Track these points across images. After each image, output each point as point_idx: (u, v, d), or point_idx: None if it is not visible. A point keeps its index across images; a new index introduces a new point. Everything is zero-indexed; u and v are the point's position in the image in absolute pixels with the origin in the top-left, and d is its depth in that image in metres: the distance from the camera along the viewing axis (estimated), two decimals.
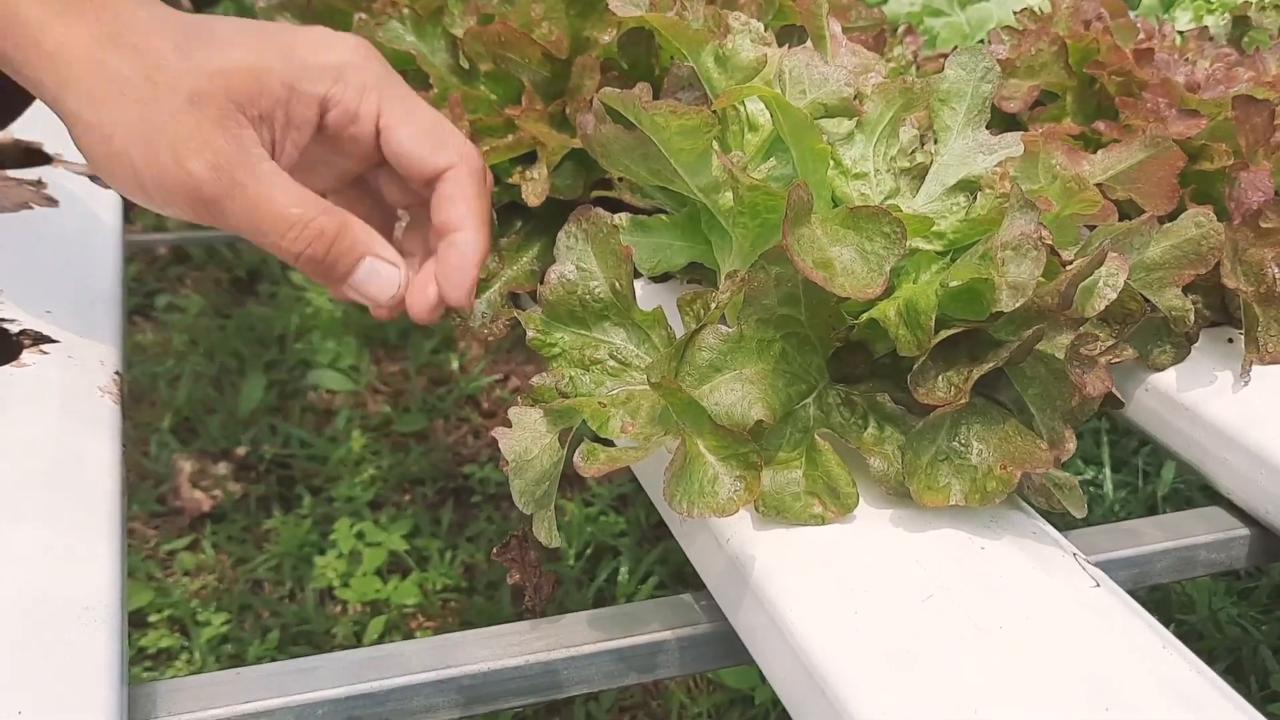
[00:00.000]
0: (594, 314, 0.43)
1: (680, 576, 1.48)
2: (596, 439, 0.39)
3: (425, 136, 0.46)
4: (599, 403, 0.40)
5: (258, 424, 1.89)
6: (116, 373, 0.48)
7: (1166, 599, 1.42)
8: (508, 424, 0.41)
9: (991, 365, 0.37)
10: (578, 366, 0.43)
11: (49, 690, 0.32)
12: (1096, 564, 0.48)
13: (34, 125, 0.68)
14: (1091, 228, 0.46)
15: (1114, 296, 0.39)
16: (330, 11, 0.65)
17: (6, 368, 0.45)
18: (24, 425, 0.42)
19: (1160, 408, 0.56)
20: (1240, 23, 0.82)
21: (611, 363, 0.42)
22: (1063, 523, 0.43)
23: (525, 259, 0.57)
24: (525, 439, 0.40)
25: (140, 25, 0.43)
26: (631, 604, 0.43)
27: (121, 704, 0.33)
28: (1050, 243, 0.37)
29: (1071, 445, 0.39)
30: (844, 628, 0.36)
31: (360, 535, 1.63)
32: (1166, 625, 1.25)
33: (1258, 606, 1.37)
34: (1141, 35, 0.64)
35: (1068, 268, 0.38)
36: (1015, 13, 0.65)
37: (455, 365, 2.11)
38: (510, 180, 0.54)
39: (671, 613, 0.44)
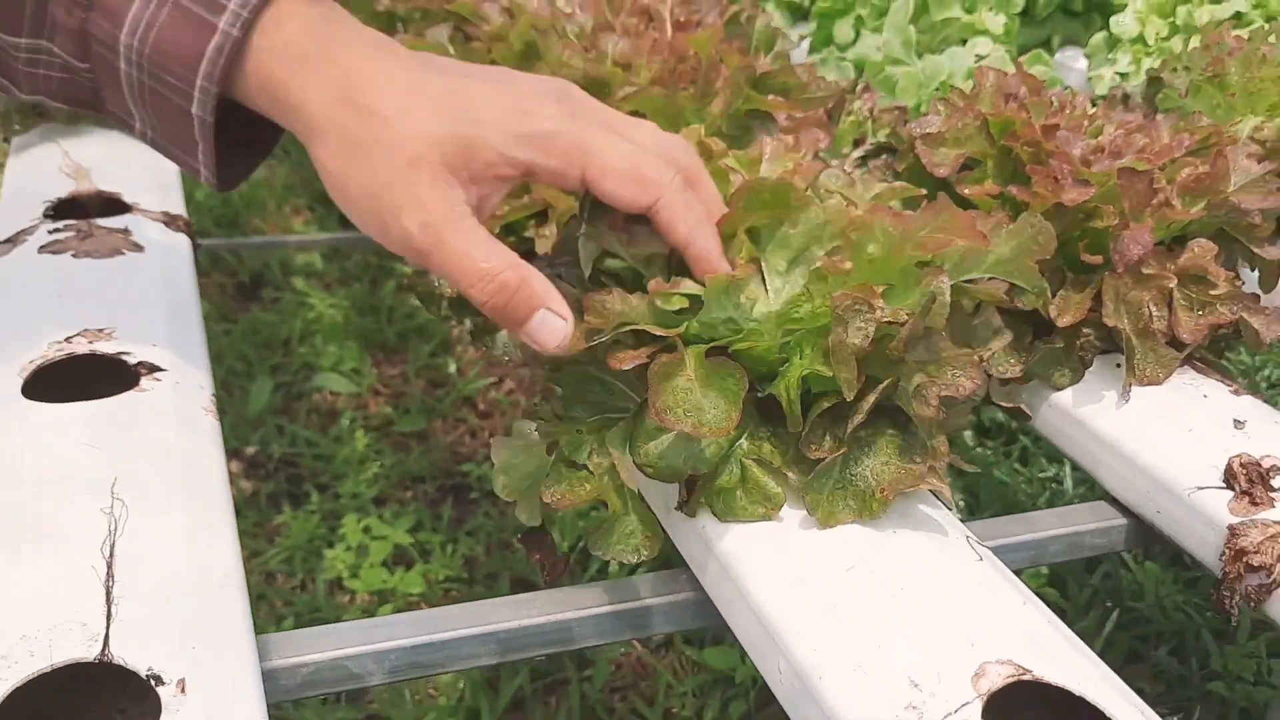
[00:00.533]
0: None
1: (664, 565, 1.60)
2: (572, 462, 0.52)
3: (629, 182, 0.52)
4: (576, 430, 0.53)
5: (265, 425, 2.00)
6: (211, 395, 0.60)
7: (1118, 588, 1.55)
8: (507, 433, 0.54)
9: (860, 420, 0.50)
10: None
11: (208, 636, 0.44)
12: (998, 547, 0.61)
13: (113, 179, 0.80)
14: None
15: (947, 303, 0.51)
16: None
17: (130, 393, 0.57)
18: (155, 438, 0.54)
19: (1059, 421, 0.69)
20: (1154, 83, 0.95)
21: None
22: (985, 513, 0.55)
23: None
24: (517, 447, 0.53)
25: (369, 84, 0.51)
26: (630, 576, 0.56)
27: (253, 648, 0.45)
28: (883, 319, 0.49)
29: (944, 451, 0.51)
30: (787, 592, 0.48)
31: (367, 530, 1.75)
32: (1119, 610, 1.39)
33: (1201, 595, 1.50)
34: (1055, 106, 0.76)
35: (907, 321, 0.50)
36: (951, 88, 0.78)
37: (453, 368, 2.22)
38: (527, 234, 0.67)
39: (661, 584, 0.56)
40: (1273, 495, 0.58)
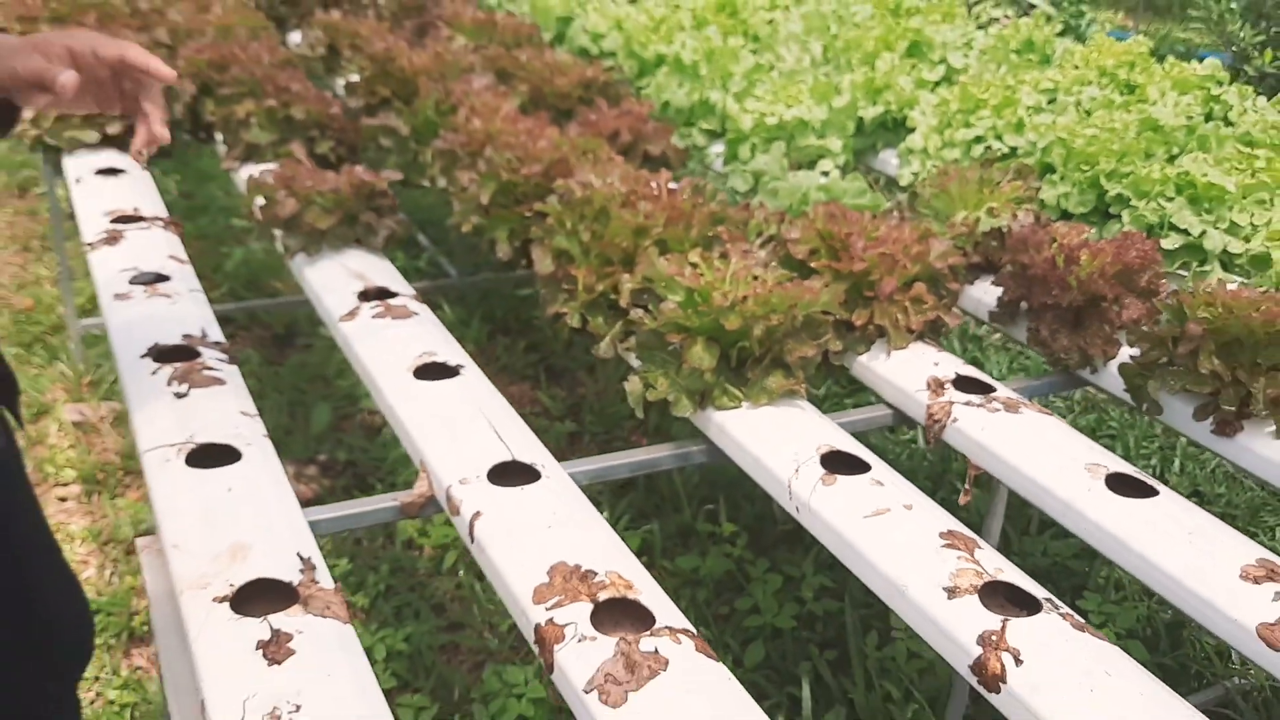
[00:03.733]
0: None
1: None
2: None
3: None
4: (663, 373, 1.34)
5: (327, 439, 2.76)
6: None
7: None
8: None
9: (766, 365, 1.33)
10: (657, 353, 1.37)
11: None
12: (841, 421, 1.44)
13: (379, 277, 1.59)
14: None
15: (801, 320, 1.36)
16: None
17: (457, 379, 1.37)
18: (470, 396, 1.34)
19: (858, 369, 1.53)
20: (913, 196, 1.82)
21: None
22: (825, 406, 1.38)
23: None
24: (641, 379, 1.35)
25: None
26: (681, 440, 1.38)
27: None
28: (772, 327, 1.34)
29: (801, 379, 1.35)
30: (751, 438, 1.30)
31: None
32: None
33: None
34: (848, 221, 1.61)
35: (787, 325, 1.34)
36: (818, 188, 1.63)
37: None
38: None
39: (692, 444, 1.38)
40: (943, 391, 1.43)
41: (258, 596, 1.01)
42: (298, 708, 0.88)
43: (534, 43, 2.63)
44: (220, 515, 1.10)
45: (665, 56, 2.52)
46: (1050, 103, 2.28)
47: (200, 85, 2.11)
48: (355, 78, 2.27)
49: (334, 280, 1.61)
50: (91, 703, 2.17)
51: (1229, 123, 2.16)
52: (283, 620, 0.97)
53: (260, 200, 1.70)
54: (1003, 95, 2.18)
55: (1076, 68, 2.44)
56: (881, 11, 2.89)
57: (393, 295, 1.58)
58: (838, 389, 2.81)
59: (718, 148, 2.29)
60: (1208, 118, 2.23)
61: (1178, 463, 2.70)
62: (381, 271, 1.66)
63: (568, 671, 0.95)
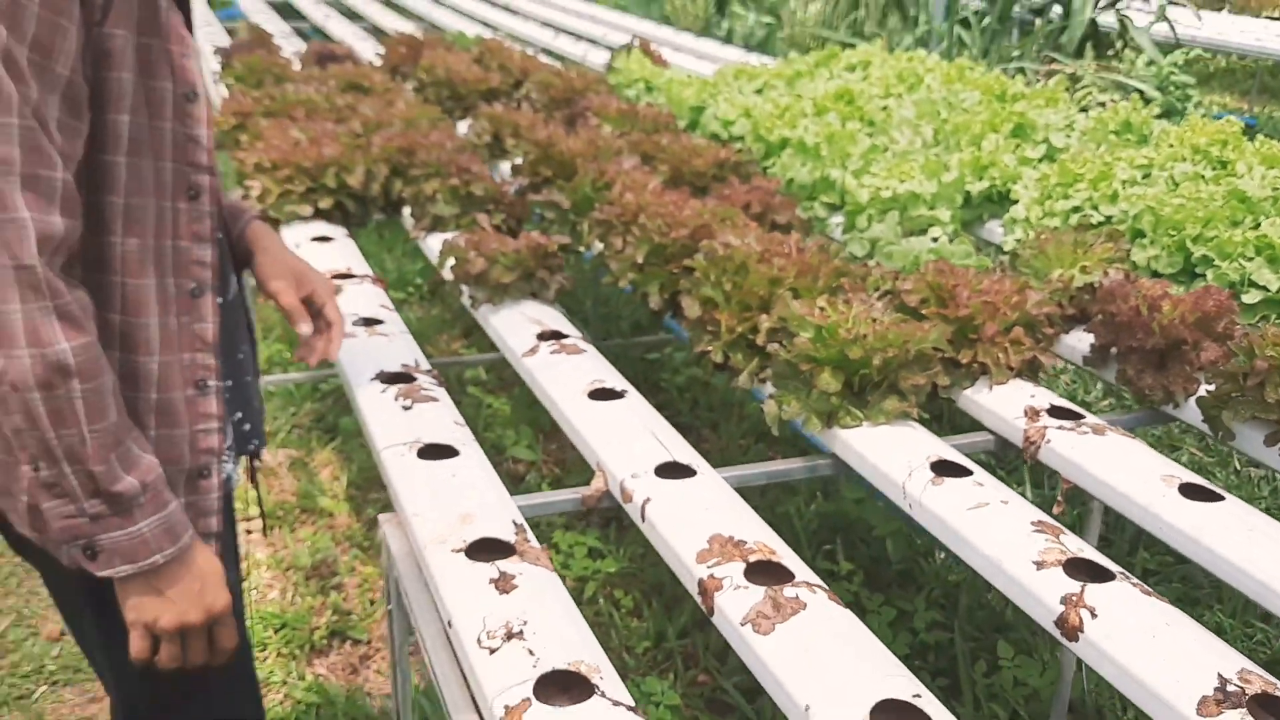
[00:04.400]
0: None
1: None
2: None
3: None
4: (795, 397, 1.61)
5: None
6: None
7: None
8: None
9: (884, 390, 1.59)
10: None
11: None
12: (953, 444, 1.69)
13: (553, 323, 1.92)
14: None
15: (912, 353, 1.62)
16: None
17: (623, 401, 1.67)
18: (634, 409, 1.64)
19: (963, 402, 1.77)
20: (1014, 256, 2.07)
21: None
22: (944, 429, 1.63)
23: None
24: (773, 404, 1.62)
25: None
26: (809, 455, 1.64)
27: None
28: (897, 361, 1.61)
29: (914, 403, 1.60)
30: (872, 450, 1.56)
31: (570, 540, 2.83)
32: None
33: None
34: (954, 275, 1.87)
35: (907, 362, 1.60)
36: (929, 250, 1.90)
37: None
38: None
39: (820, 458, 1.64)
40: (1038, 418, 1.66)
41: (483, 550, 1.30)
42: (525, 623, 1.17)
43: (671, 129, 2.97)
44: (448, 494, 1.41)
45: (789, 139, 2.83)
46: (1144, 177, 2.51)
47: (391, 168, 2.50)
48: (520, 160, 2.63)
49: (515, 325, 1.94)
50: (280, 703, 2.50)
51: None
52: (506, 565, 1.26)
53: (452, 260, 2.05)
54: (1099, 170, 2.42)
55: (1171, 146, 2.67)
56: (989, 98, 3.17)
57: (565, 336, 1.90)
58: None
59: (837, 219, 2.57)
60: None
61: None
62: (554, 318, 1.98)
63: (726, 611, 1.22)
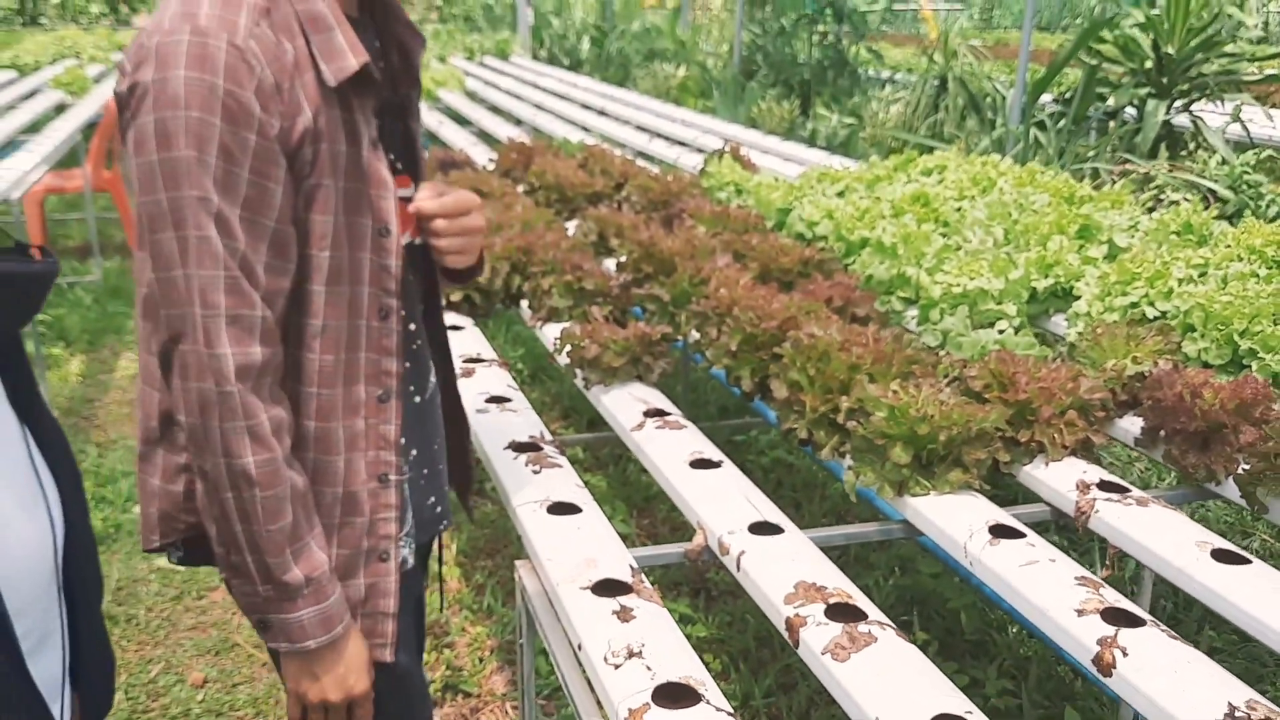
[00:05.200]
0: None
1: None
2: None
3: None
4: (871, 468, 1.86)
5: None
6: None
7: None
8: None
9: (949, 463, 1.83)
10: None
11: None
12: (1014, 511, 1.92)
13: (659, 402, 2.20)
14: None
15: (972, 437, 1.86)
16: None
17: (719, 473, 1.93)
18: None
19: (1021, 477, 2.00)
20: (1071, 348, 2.30)
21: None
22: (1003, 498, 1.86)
23: None
24: (851, 475, 1.87)
25: None
26: (881, 519, 1.88)
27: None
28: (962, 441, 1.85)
29: (976, 474, 1.83)
30: (938, 516, 1.80)
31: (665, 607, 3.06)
32: None
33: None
34: (1014, 365, 2.11)
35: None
36: (994, 341, 2.14)
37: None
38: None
39: (891, 523, 1.88)
40: (1089, 491, 1.88)
41: (605, 589, 1.57)
42: (643, 645, 1.43)
43: (760, 229, 3.27)
44: (574, 543, 1.68)
45: (869, 239, 3.10)
46: (1200, 276, 2.73)
47: (511, 265, 2.83)
48: (624, 258, 2.95)
49: (624, 404, 2.23)
50: None
51: None
52: (625, 600, 1.53)
53: (568, 347, 2.35)
54: (1156, 269, 2.65)
55: (1228, 246, 2.88)
56: (1057, 200, 3.41)
57: (667, 414, 2.18)
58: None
59: (912, 312, 2.83)
60: None
61: None
62: (657, 398, 2.26)
63: (809, 643, 1.46)
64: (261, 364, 1.20)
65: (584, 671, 1.47)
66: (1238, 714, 1.31)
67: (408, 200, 1.38)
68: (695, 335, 2.51)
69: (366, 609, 1.36)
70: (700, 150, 5.39)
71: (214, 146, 1.14)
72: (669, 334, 2.44)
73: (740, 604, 3.06)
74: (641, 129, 6.27)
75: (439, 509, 1.53)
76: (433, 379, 1.53)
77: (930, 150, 5.06)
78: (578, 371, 2.37)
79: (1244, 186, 5.07)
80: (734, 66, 9.20)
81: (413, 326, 1.45)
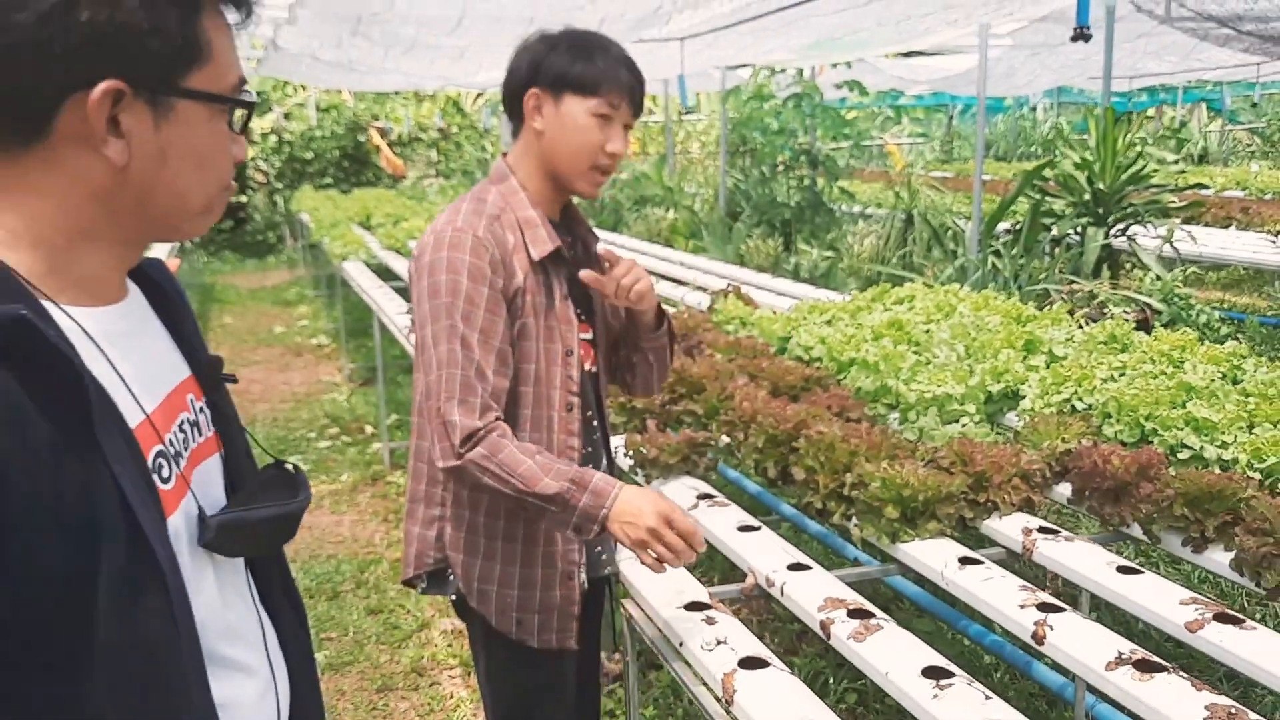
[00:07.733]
0: None
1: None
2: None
3: None
4: (880, 524, 2.58)
5: None
6: None
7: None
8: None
9: (931, 518, 2.54)
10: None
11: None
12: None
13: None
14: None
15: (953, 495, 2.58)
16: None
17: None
18: None
19: (992, 527, 2.72)
20: (1019, 435, 3.04)
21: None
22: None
23: None
24: (856, 529, 2.58)
25: None
26: (885, 561, 2.58)
27: None
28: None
29: (950, 526, 2.54)
30: (926, 554, 2.51)
31: None
32: None
33: None
34: (970, 449, 2.84)
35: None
36: (959, 432, 2.88)
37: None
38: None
39: (893, 565, 2.58)
40: (1032, 534, 2.60)
41: (692, 608, 2.26)
42: (726, 637, 2.12)
43: (765, 354, 4.04)
44: (663, 583, 2.38)
45: (856, 359, 3.87)
46: (1120, 375, 3.50)
47: None
48: None
49: (679, 492, 2.95)
50: None
51: (1237, 381, 3.33)
52: (709, 613, 2.23)
53: (631, 452, 3.08)
54: (1082, 373, 3.41)
55: (1143, 351, 3.66)
56: (1007, 320, 4.21)
57: (714, 497, 2.90)
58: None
59: (894, 414, 3.58)
60: (1233, 380, 3.39)
61: None
62: (704, 487, 2.98)
63: (837, 633, 2.16)
64: (484, 430, 1.93)
65: (686, 661, 2.16)
66: (1122, 656, 2.01)
67: (589, 341, 2.16)
68: (725, 439, 3.25)
69: (562, 609, 2.08)
70: (700, 289, 6.20)
71: (462, 295, 1.91)
72: (710, 438, 3.17)
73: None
74: (651, 273, 7.11)
75: (604, 556, 2.30)
76: (604, 463, 2.29)
77: (901, 281, 5.90)
78: (639, 470, 3.09)
79: (1176, 299, 5.91)
80: (720, 209, 10.17)
81: (595, 422, 2.21)
